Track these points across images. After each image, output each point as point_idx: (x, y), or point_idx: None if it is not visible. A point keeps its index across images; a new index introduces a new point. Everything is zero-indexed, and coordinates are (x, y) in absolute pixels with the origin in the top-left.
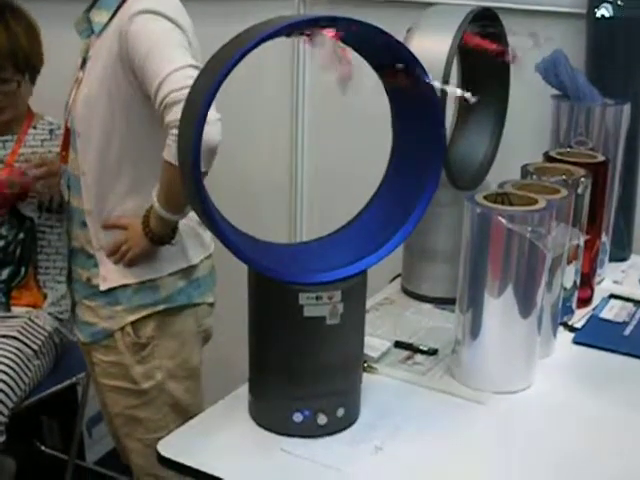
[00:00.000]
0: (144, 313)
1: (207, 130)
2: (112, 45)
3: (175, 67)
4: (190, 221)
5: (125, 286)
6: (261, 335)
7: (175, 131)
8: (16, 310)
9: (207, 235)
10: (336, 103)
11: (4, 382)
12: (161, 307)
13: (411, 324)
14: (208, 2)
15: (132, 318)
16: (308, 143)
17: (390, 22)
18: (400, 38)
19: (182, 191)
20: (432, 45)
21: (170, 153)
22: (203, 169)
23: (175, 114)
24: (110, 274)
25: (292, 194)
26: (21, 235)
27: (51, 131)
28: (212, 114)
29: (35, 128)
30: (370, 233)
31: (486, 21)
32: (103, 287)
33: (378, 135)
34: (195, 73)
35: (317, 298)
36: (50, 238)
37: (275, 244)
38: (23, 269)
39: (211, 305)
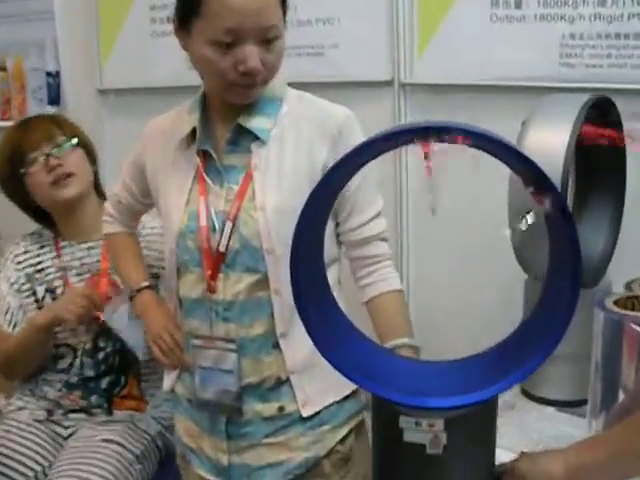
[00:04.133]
0: (352, 425)
1: None
2: None
3: (380, 208)
4: None
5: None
6: (375, 453)
7: (390, 262)
8: (118, 414)
9: None
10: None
11: None
12: (362, 415)
13: (536, 432)
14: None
15: (343, 434)
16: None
17: (503, 109)
18: (516, 127)
19: None
20: (549, 139)
21: (397, 281)
22: None
23: (388, 248)
24: (312, 396)
25: None
26: (118, 345)
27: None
28: None
29: None
30: (491, 365)
31: (602, 108)
32: (306, 413)
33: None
34: None
35: (416, 424)
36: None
37: (401, 359)
38: (123, 378)
39: None
